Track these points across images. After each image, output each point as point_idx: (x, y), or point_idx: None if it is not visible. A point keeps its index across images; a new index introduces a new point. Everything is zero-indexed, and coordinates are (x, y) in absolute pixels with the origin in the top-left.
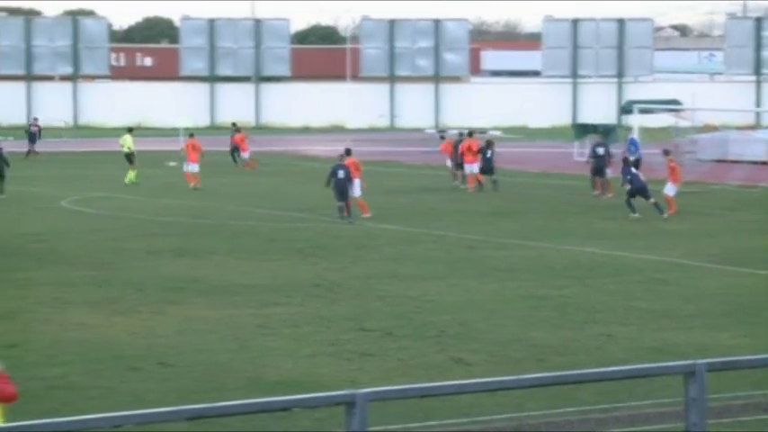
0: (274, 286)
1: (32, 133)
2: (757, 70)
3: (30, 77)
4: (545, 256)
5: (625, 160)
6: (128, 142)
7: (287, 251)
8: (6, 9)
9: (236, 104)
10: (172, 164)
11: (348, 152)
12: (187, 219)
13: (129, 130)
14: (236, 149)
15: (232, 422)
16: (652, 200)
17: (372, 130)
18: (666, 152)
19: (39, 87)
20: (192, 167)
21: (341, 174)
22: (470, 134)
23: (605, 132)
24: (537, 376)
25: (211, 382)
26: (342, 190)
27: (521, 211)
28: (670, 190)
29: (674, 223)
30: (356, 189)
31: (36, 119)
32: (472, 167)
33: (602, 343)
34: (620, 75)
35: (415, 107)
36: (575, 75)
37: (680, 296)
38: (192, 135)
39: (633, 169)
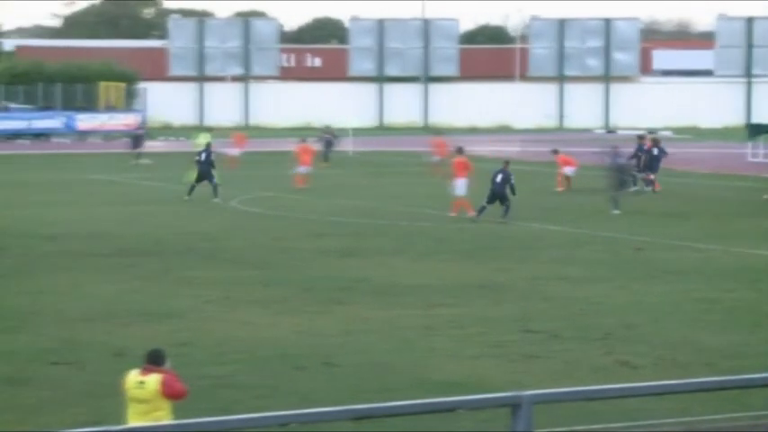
0: (441, 287)
1: (138, 136)
2: None
3: (202, 78)
4: (714, 258)
5: None
6: (202, 140)
7: (454, 252)
8: (180, 11)
9: (404, 105)
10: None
11: (459, 151)
12: (356, 219)
13: (209, 129)
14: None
15: (397, 422)
16: None
17: (540, 130)
18: None
19: (210, 88)
20: (303, 169)
21: (498, 178)
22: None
23: None
24: (705, 380)
25: (376, 382)
26: (495, 194)
27: (690, 212)
28: None
29: None
30: (460, 188)
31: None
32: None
33: None
34: None
35: (583, 107)
36: (748, 74)
37: None
38: (304, 140)
39: None
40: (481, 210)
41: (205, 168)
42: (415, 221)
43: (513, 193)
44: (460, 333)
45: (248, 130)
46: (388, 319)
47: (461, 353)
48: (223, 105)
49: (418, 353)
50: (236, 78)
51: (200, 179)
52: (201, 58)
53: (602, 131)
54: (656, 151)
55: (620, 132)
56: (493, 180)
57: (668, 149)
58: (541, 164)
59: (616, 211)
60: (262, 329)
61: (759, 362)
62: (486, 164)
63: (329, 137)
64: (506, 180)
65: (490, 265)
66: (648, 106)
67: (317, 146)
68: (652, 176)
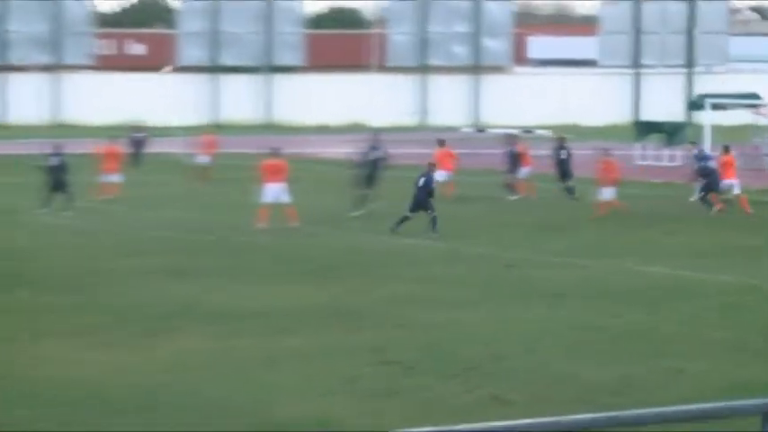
0: (284, 312)
1: None
2: None
3: (2, 67)
4: (600, 277)
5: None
6: None
7: (299, 271)
8: None
9: (242, 99)
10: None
11: (274, 153)
12: (182, 233)
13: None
14: None
15: None
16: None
17: (400, 128)
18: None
19: (12, 79)
20: (109, 177)
21: (420, 182)
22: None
23: (672, 131)
24: (583, 417)
25: (207, 425)
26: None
27: (571, 223)
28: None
29: (754, 238)
30: (271, 194)
31: None
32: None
33: (667, 380)
34: (689, 64)
35: (449, 102)
36: (636, 64)
37: (759, 326)
38: (113, 140)
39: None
40: (402, 220)
41: None
42: (252, 236)
43: (431, 197)
44: (307, 366)
45: (57, 129)
46: (222, 350)
47: (309, 389)
48: (27, 99)
49: (259, 390)
50: (43, 68)
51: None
52: (1, 43)
53: (471, 130)
54: (563, 154)
55: (490, 131)
56: (415, 185)
57: (543, 151)
58: (403, 168)
59: (356, 213)
60: (71, 366)
61: (652, 397)
62: (337, 167)
63: (140, 137)
64: (428, 185)
65: (341, 286)
66: (523, 101)
67: (128, 147)
68: (515, 180)
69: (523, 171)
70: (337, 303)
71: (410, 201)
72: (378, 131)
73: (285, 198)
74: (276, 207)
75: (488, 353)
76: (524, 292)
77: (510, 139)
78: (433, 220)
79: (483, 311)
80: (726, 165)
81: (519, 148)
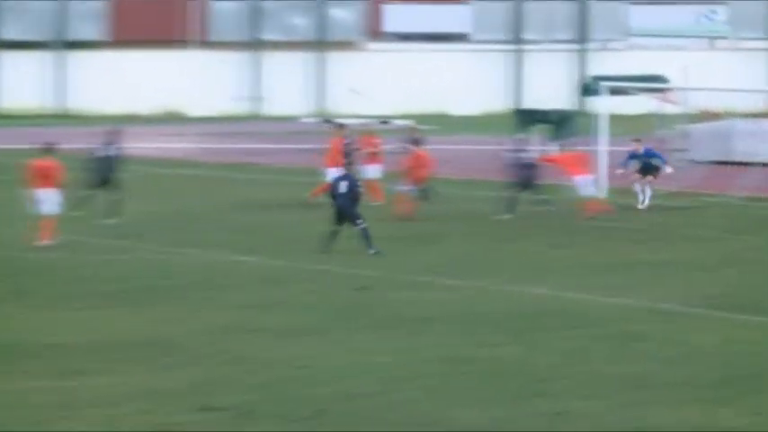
0: (84, 346)
1: None
2: None
3: None
4: (471, 299)
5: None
6: None
7: (102, 295)
8: None
9: (26, 81)
10: None
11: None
12: None
13: None
14: None
15: None
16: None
17: (226, 118)
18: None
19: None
20: None
21: (341, 187)
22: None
23: (560, 122)
24: None
25: None
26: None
27: (437, 235)
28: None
29: (654, 253)
30: (43, 203)
31: None
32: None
33: (551, 424)
34: (581, 39)
35: (287, 86)
36: (517, 39)
37: (662, 357)
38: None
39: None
40: (332, 236)
41: None
42: (40, 252)
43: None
44: (111, 413)
45: None
46: (4, 395)
47: None
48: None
49: None
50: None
51: None
52: None
53: (315, 121)
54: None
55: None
56: (334, 190)
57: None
58: (229, 166)
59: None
60: None
61: None
62: (149, 167)
63: None
64: (353, 189)
65: (153, 313)
66: (379, 84)
67: None
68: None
69: (372, 170)
70: (149, 334)
71: (332, 212)
72: (117, 125)
73: (54, 209)
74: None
75: (340, 392)
76: (381, 319)
77: (338, 129)
78: (364, 233)
79: (331, 342)
80: (564, 160)
81: (359, 141)
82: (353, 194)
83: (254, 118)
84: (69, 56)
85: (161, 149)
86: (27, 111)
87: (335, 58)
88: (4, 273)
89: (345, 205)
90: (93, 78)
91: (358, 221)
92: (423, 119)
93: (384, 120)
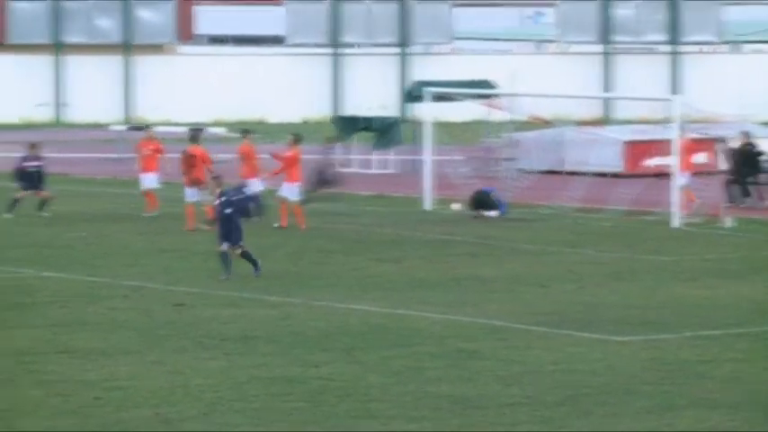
0: None
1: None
2: (605, 36)
3: None
4: (293, 316)
5: None
6: None
7: None
8: None
9: None
10: None
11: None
12: None
13: None
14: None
15: None
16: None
17: (27, 125)
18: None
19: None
20: None
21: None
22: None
23: (383, 130)
24: None
25: None
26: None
27: (261, 249)
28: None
29: (486, 267)
30: None
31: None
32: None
33: None
34: (403, 43)
35: (93, 91)
36: (335, 42)
37: (498, 376)
38: None
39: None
40: (224, 261)
41: None
42: None
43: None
44: None
45: None
46: None
47: None
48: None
49: None
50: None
51: None
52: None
53: (124, 128)
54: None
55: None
56: (222, 210)
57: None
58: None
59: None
60: None
61: None
62: None
63: None
64: (246, 204)
65: None
66: (191, 89)
67: None
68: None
69: (149, 179)
70: None
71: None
72: None
73: None
74: None
75: (157, 417)
76: (199, 338)
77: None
78: (247, 257)
79: (147, 363)
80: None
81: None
82: (243, 209)
83: (57, 125)
84: None
85: None
86: None
87: (144, 62)
88: None
89: (230, 225)
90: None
91: (238, 242)
92: (239, 126)
93: (196, 127)
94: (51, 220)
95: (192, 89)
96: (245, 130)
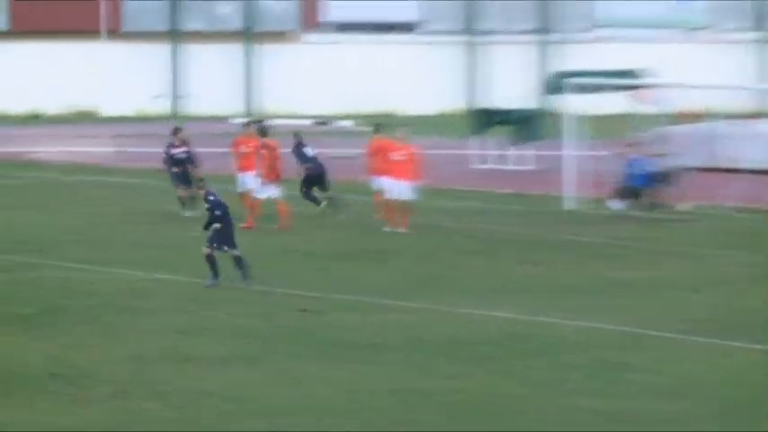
0: None
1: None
2: (760, 23)
3: None
4: (427, 324)
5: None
6: None
7: (8, 319)
8: None
9: None
10: None
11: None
12: None
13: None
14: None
15: None
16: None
17: (143, 118)
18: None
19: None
20: None
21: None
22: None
23: (521, 123)
24: None
25: None
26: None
27: (387, 251)
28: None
29: (632, 270)
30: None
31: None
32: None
33: None
34: (542, 30)
35: (212, 82)
36: (472, 30)
37: (647, 389)
38: None
39: None
40: (212, 269)
41: None
42: None
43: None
44: None
45: None
46: None
47: None
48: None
49: None
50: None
51: None
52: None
53: (244, 121)
54: (310, 152)
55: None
56: (214, 208)
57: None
58: (149, 173)
59: None
60: None
61: None
62: (56, 174)
63: None
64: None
65: (63, 338)
66: (316, 80)
67: None
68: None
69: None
70: (55, 364)
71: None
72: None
73: None
74: None
75: (276, 428)
76: (323, 346)
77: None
78: (238, 262)
79: (267, 372)
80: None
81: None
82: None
83: (176, 118)
84: None
85: (69, 153)
86: None
87: (266, 51)
88: None
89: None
90: None
91: (233, 251)
92: (366, 120)
93: (322, 120)
94: (167, 219)
95: (317, 80)
96: (378, 124)
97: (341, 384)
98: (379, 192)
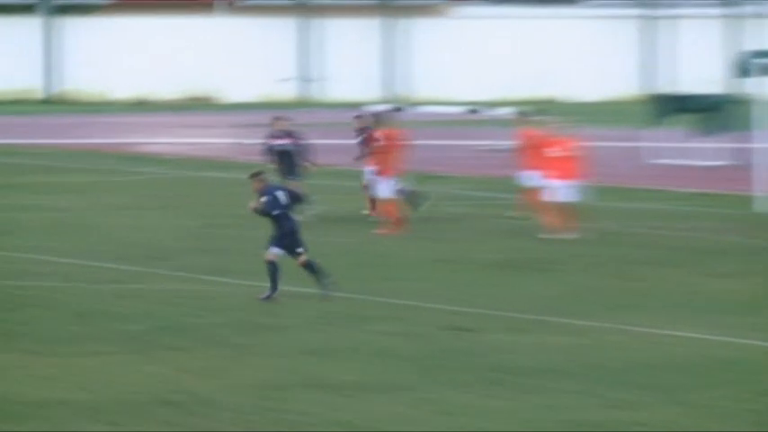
0: (89, 404)
1: None
2: None
3: None
4: (600, 345)
5: None
6: None
7: (113, 336)
8: None
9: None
10: None
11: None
12: None
13: None
14: None
15: None
16: None
17: (267, 104)
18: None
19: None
20: None
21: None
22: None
23: (709, 111)
24: None
25: None
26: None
27: (550, 260)
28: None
29: None
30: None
31: None
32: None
33: None
34: (733, 2)
35: (346, 62)
36: (648, 2)
37: None
38: None
39: None
40: (272, 278)
41: None
42: (33, 279)
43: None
44: None
45: None
46: None
47: None
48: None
49: None
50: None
51: None
52: None
53: (388, 108)
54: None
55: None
56: (273, 202)
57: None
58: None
59: None
60: None
61: None
62: (169, 168)
63: None
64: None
65: (182, 360)
66: (466, 60)
67: None
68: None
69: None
70: (173, 389)
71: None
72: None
73: None
74: None
75: None
76: (481, 370)
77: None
78: (309, 267)
79: (415, 401)
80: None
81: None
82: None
83: (305, 104)
84: (59, 22)
85: (181, 145)
86: (17, 94)
87: (409, 27)
88: None
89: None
90: (90, 48)
91: (299, 249)
92: (525, 104)
93: (474, 108)
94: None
95: (467, 60)
96: (523, 111)
97: (502, 416)
98: (527, 190)
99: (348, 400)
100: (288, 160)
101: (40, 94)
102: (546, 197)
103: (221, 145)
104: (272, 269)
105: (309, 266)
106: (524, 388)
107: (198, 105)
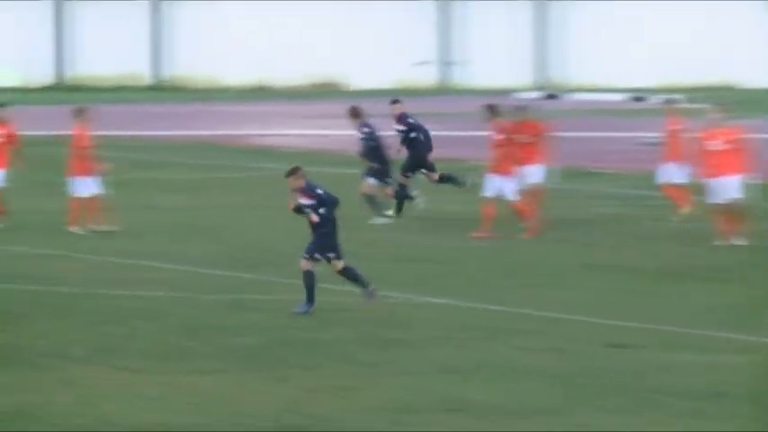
0: (200, 430)
1: None
2: None
3: None
4: None
5: None
6: None
7: (226, 352)
8: None
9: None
10: None
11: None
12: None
13: None
14: None
15: None
16: None
17: (403, 91)
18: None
19: None
20: None
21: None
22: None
23: None
24: None
25: None
26: None
27: (717, 267)
28: None
29: None
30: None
31: None
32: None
33: None
34: None
35: (496, 45)
36: None
37: None
38: None
39: None
40: (308, 290)
41: None
42: (137, 287)
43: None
44: None
45: None
46: None
47: None
48: None
49: None
50: None
51: None
52: None
53: (538, 95)
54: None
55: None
56: (328, 197)
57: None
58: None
59: None
60: None
61: None
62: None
63: None
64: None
65: (303, 380)
66: (624, 43)
67: None
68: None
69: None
70: (290, 409)
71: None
72: None
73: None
74: None
75: None
76: (649, 393)
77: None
78: (348, 274)
79: (566, 426)
80: None
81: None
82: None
83: (443, 90)
84: (163, 6)
85: (306, 138)
86: (117, 79)
87: (560, 8)
88: (89, 318)
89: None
90: (191, 36)
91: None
92: (694, 93)
93: (638, 96)
94: (431, 225)
95: (627, 42)
96: (670, 99)
97: None
98: (672, 186)
99: (493, 425)
100: (368, 154)
101: (146, 79)
102: (709, 199)
103: (350, 137)
104: (309, 280)
105: (347, 273)
106: (697, 413)
107: (323, 92)
